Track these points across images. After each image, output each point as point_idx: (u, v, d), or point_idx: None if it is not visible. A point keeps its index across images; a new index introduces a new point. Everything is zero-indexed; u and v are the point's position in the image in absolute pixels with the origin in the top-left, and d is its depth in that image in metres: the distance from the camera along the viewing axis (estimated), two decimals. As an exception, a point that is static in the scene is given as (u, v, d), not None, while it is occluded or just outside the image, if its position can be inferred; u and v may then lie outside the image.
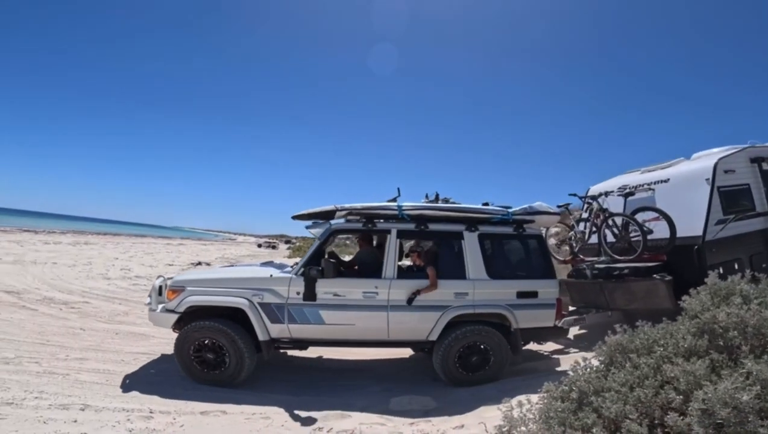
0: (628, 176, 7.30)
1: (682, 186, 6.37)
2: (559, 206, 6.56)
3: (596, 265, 6.33)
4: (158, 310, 4.75)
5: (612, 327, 3.20)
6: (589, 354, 3.26)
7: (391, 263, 4.83)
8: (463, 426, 3.69)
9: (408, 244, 5.81)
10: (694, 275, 5.56)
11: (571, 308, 6.66)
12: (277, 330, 4.64)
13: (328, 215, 5.03)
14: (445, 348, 4.73)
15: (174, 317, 4.63)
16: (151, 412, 3.64)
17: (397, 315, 4.72)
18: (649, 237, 5.93)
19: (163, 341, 5.87)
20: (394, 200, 5.22)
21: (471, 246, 4.95)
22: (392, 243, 4.90)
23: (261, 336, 4.57)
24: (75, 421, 3.32)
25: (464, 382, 4.76)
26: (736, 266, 5.92)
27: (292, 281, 4.67)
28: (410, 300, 4.72)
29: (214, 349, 4.52)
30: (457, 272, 4.91)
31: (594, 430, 2.48)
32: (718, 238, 5.94)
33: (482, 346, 4.81)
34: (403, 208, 4.94)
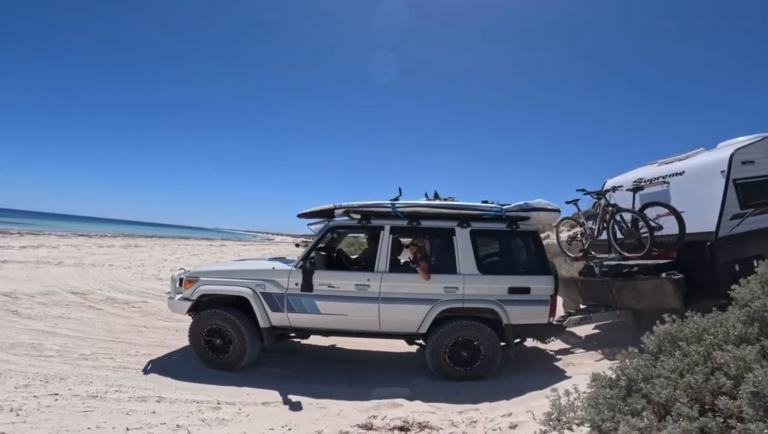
0: (645, 169, 7.03)
1: (696, 178, 6.08)
2: (567, 202, 6.57)
3: (605, 263, 6.21)
4: (176, 298, 5.28)
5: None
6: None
7: (383, 258, 5.07)
8: (510, 414, 3.81)
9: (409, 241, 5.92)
10: (706, 273, 5.54)
11: (582, 306, 6.55)
12: (277, 318, 5.01)
13: (328, 213, 5.31)
14: (434, 341, 4.87)
15: (188, 304, 5.14)
16: (218, 403, 3.95)
17: (388, 307, 4.92)
18: (660, 233, 5.74)
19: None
20: (397, 199, 5.39)
21: (462, 242, 5.07)
22: (385, 238, 5.12)
23: (262, 323, 4.95)
24: (153, 412, 3.64)
25: (454, 377, 4.87)
26: (756, 263, 5.80)
27: (291, 273, 5.04)
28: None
29: (221, 335, 4.96)
30: (448, 267, 5.06)
31: (644, 414, 2.56)
32: (735, 234, 5.63)
33: (473, 341, 4.90)
34: (397, 205, 5.13)
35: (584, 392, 3.42)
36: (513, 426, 3.46)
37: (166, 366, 5.02)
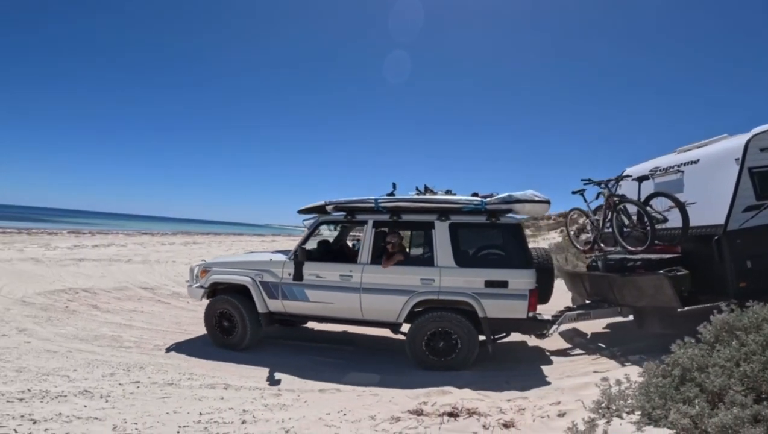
0: (665, 158, 6.57)
1: (710, 167, 5.61)
2: (573, 192, 6.31)
3: (610, 257, 5.98)
4: (193, 286, 5.99)
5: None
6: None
7: (365, 250, 5.36)
8: (559, 402, 3.86)
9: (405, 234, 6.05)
10: (714, 270, 5.18)
11: (587, 301, 6.36)
12: (273, 305, 5.57)
13: (321, 209, 5.71)
14: (412, 331, 5.09)
15: (202, 291, 5.86)
16: (279, 391, 4.25)
17: (369, 297, 5.21)
18: (665, 226, 5.45)
19: (277, 328, 6.60)
20: (392, 194, 5.55)
21: (440, 235, 5.17)
22: (368, 232, 5.42)
23: (260, 309, 5.53)
24: (222, 398, 3.98)
25: (432, 366, 5.01)
26: None
27: (285, 264, 5.53)
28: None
29: (229, 319, 5.64)
30: (426, 259, 5.26)
31: (696, 401, 2.55)
32: (748, 227, 5.16)
33: (450, 333, 5.00)
34: (379, 200, 5.32)
35: (635, 382, 3.42)
36: (561, 414, 3.51)
37: (229, 356, 5.41)
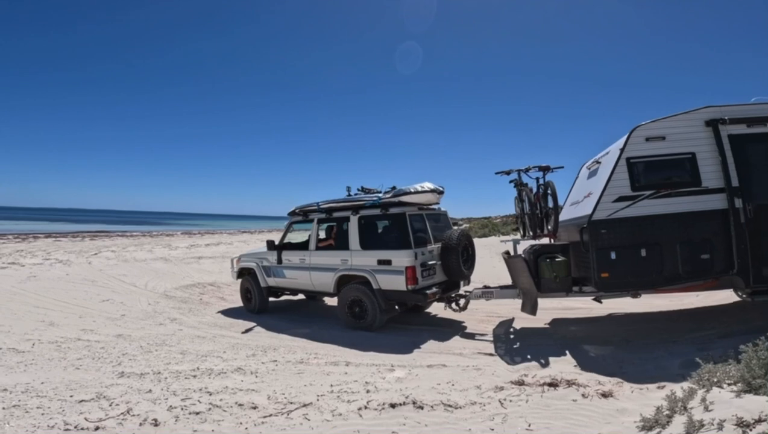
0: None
1: (609, 158, 5.61)
2: (511, 181, 6.83)
3: (521, 242, 6.46)
4: (233, 271, 8.61)
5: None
6: None
7: (313, 240, 7.24)
8: (662, 380, 4.01)
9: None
10: (583, 258, 5.44)
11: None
12: (269, 281, 7.88)
13: (293, 213, 7.70)
14: (339, 299, 6.74)
15: (235, 274, 8.54)
16: (392, 366, 4.86)
17: (314, 273, 7.14)
18: (577, 215, 5.83)
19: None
20: (348, 195, 6.99)
21: (353, 226, 6.68)
22: (314, 227, 7.27)
23: (262, 284, 7.92)
24: (345, 373, 4.67)
25: (352, 327, 6.55)
26: (644, 253, 5.06)
27: (273, 253, 7.74)
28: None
29: (251, 291, 8.08)
30: (345, 245, 6.76)
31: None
32: (617, 218, 5.15)
33: (362, 301, 6.43)
34: (320, 203, 7.15)
35: (740, 354, 3.52)
36: (661, 387, 3.71)
37: (344, 338, 6.16)
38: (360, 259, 6.52)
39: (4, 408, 3.64)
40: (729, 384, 3.24)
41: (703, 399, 2.99)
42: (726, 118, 5.09)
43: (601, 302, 6.12)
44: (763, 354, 3.26)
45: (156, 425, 3.39)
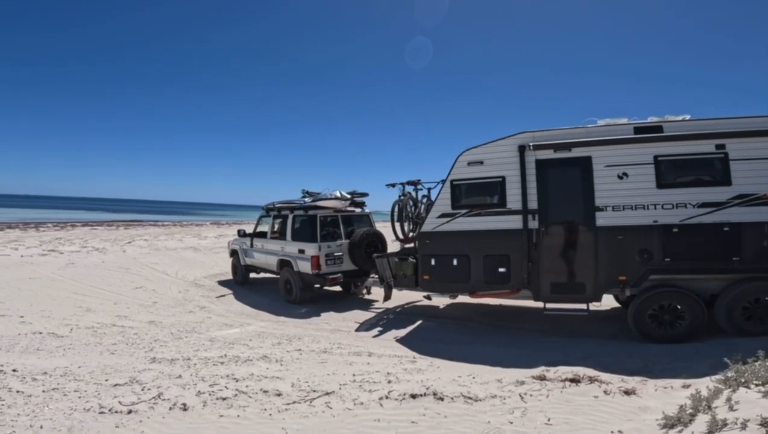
0: None
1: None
2: (387, 185, 7.95)
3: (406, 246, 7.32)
4: (228, 251, 10.97)
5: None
6: None
7: (269, 231, 9.22)
8: (684, 375, 3.94)
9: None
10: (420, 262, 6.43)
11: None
12: (246, 261, 9.96)
13: (269, 209, 9.43)
14: (281, 278, 8.52)
15: (227, 253, 11.29)
16: (414, 358, 4.93)
17: (268, 257, 9.01)
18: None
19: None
20: (305, 196, 8.75)
21: (289, 222, 8.53)
22: (271, 221, 9.24)
23: (242, 262, 10.07)
24: (368, 363, 4.76)
25: (286, 300, 8.27)
26: (456, 262, 5.93)
27: (249, 239, 9.84)
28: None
29: (237, 267, 10.33)
30: (284, 236, 8.63)
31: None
32: (438, 231, 6.07)
33: (291, 280, 8.20)
34: (276, 203, 9.12)
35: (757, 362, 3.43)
36: (686, 386, 3.64)
37: (367, 329, 6.26)
38: (290, 247, 8.37)
39: (44, 391, 3.88)
40: (756, 385, 3.17)
41: (729, 399, 2.94)
42: (530, 144, 5.57)
43: (430, 299, 6.98)
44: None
45: (185, 409, 3.56)
